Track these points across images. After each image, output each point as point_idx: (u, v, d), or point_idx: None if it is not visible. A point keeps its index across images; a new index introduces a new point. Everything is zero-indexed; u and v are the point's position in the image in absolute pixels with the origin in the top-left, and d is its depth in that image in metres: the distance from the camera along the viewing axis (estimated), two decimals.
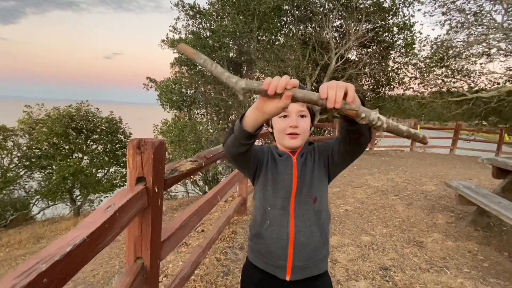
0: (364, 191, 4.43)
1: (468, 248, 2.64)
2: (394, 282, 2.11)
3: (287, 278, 0.92)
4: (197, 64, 11.23)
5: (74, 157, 11.65)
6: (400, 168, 6.29)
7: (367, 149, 7.21)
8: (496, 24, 10.36)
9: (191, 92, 11.04)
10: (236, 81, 0.59)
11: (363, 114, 0.58)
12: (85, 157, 12.14)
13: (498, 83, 11.98)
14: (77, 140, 11.91)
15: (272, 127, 0.98)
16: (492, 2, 10.15)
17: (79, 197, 12.13)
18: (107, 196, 12.06)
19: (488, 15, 10.46)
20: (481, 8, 10.47)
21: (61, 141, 11.55)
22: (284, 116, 0.92)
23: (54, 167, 11.15)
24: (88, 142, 12.49)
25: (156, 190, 1.22)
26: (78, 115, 11.95)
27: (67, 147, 11.73)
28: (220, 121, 12.53)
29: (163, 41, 10.41)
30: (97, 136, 12.51)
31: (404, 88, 12.39)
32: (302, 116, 0.92)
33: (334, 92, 0.57)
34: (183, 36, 10.41)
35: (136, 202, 1.07)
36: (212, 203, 2.21)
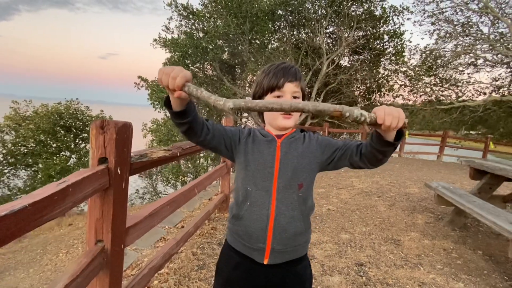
0: (348, 192, 4.46)
1: (444, 246, 2.67)
2: (368, 277, 2.12)
3: (265, 262, 0.89)
4: (190, 66, 11.26)
5: (61, 155, 11.46)
6: (386, 172, 6.36)
7: None
8: (482, 35, 10.66)
9: None
10: (224, 102, 0.61)
11: (347, 114, 0.62)
12: (73, 156, 11.95)
13: (485, 93, 12.31)
14: (65, 138, 11.73)
15: None
16: (479, 14, 10.47)
17: None
18: None
19: (475, 26, 10.77)
20: (469, 20, 10.78)
21: (48, 139, 11.35)
22: (278, 97, 0.89)
23: (40, 165, 10.93)
24: (77, 141, 12.31)
25: (119, 172, 1.20)
26: (67, 113, 11.79)
27: (54, 145, 11.53)
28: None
29: (155, 40, 10.39)
30: (86, 135, 12.33)
31: (394, 95, 12.61)
32: (295, 97, 0.90)
33: (390, 120, 0.63)
34: (175, 36, 10.42)
35: (94, 181, 1.06)
36: (188, 196, 2.18)
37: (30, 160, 11.12)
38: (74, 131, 12.00)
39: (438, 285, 2.05)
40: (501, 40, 10.08)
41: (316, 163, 0.92)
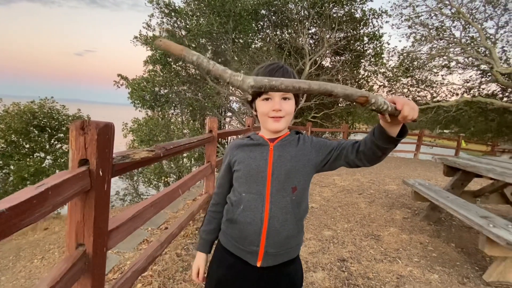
0: (330, 190, 4.57)
1: (420, 240, 2.81)
2: (349, 272, 2.19)
3: (258, 264, 0.90)
4: (172, 64, 11.07)
5: (35, 156, 10.90)
6: (366, 170, 6.56)
7: None
8: (455, 39, 11.22)
9: (165, 91, 10.81)
10: (242, 78, 0.51)
11: (372, 100, 0.60)
12: (48, 157, 11.40)
13: (457, 94, 12.96)
14: (39, 138, 11.16)
15: (256, 110, 0.94)
16: (451, 19, 11.01)
17: None
18: None
19: (448, 30, 11.32)
20: (442, 24, 11.31)
21: (21, 139, 10.76)
22: (267, 99, 0.88)
23: (12, 167, 10.35)
24: (52, 141, 11.74)
25: (101, 173, 1.18)
26: (41, 112, 11.21)
27: (27, 145, 10.93)
28: (196, 122, 12.35)
29: (135, 37, 10.12)
30: (62, 135, 11.79)
31: None
32: (285, 99, 0.89)
33: (409, 110, 0.63)
34: (157, 33, 10.20)
35: (74, 183, 1.03)
36: (172, 197, 2.16)
37: (1, 162, 10.49)
38: (49, 131, 11.43)
39: (415, 277, 2.15)
40: (472, 44, 10.66)
41: (310, 165, 0.92)
